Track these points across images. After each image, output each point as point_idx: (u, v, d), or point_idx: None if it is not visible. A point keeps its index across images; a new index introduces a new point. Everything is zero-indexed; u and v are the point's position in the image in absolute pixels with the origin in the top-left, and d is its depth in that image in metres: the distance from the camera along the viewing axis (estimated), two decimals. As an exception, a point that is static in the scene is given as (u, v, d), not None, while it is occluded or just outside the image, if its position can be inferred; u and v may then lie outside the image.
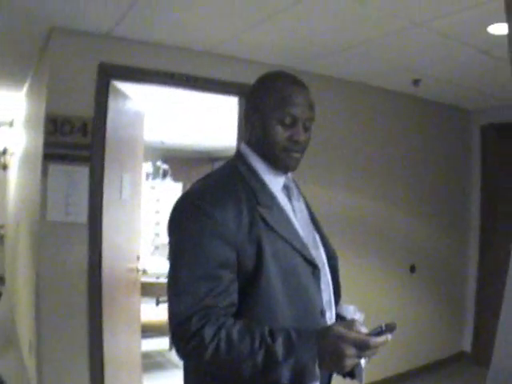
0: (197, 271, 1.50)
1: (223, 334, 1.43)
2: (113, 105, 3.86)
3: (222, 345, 1.41)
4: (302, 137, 1.69)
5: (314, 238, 1.80)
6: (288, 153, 1.69)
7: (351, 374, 1.63)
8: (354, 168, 5.10)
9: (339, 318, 1.81)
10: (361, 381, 1.61)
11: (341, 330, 1.38)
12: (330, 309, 1.75)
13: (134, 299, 4.71)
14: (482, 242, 6.15)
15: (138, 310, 4.84)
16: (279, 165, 1.72)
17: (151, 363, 5.92)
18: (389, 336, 1.38)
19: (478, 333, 6.10)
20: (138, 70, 3.85)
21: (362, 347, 1.35)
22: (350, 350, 1.35)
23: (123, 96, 4.16)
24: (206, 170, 11.50)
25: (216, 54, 4.17)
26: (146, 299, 6.13)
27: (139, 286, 4.81)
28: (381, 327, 1.40)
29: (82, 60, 3.65)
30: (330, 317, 1.74)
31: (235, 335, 1.42)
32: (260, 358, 1.40)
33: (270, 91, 1.70)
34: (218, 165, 10.40)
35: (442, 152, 5.94)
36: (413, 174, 5.63)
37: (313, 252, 1.70)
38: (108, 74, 3.74)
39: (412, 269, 5.59)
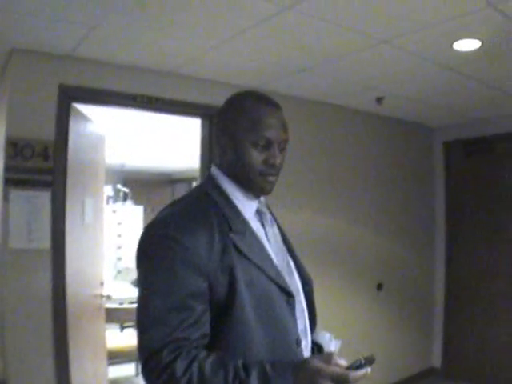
0: (167, 302, 1.43)
1: (195, 367, 1.36)
2: (74, 127, 3.79)
3: (195, 379, 1.35)
4: (277, 160, 1.64)
5: (288, 264, 1.75)
6: (264, 177, 1.64)
7: None
8: (317, 187, 5.11)
9: (315, 345, 1.77)
10: None
11: (318, 363, 1.33)
12: (306, 337, 1.71)
13: (99, 326, 4.62)
14: (448, 257, 6.23)
15: (104, 337, 4.75)
16: (254, 189, 1.67)
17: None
18: (368, 369, 1.34)
19: (447, 348, 6.16)
20: (99, 92, 3.79)
21: (341, 382, 1.30)
22: None
23: (84, 118, 4.09)
24: (166, 192, 11.49)
25: (179, 75, 4.14)
26: (110, 325, 6.01)
27: (104, 312, 4.72)
28: (360, 360, 1.35)
29: (42, 82, 3.57)
30: (306, 345, 1.70)
31: (208, 369, 1.36)
32: None
33: (241, 113, 1.64)
34: (178, 187, 10.39)
35: (406, 169, 6.01)
36: (378, 191, 5.67)
37: (287, 279, 1.65)
38: (69, 96, 3.67)
39: (379, 287, 5.61)
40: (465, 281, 6.04)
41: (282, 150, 1.68)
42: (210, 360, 1.38)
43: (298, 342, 1.62)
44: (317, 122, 5.11)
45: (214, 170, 1.73)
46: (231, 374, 1.35)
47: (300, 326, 1.67)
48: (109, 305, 5.54)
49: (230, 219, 1.59)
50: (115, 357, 5.76)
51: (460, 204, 6.14)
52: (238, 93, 1.74)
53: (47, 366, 3.56)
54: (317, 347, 1.77)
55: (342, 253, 5.27)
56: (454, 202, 6.21)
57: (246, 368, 1.37)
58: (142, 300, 1.51)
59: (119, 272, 9.29)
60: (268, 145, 1.62)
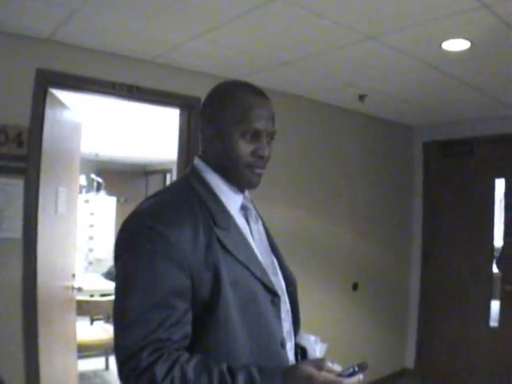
0: (148, 299, 1.34)
1: (177, 371, 1.27)
2: (50, 114, 3.69)
3: (177, 383, 1.27)
4: (266, 151, 1.57)
5: (273, 263, 1.68)
6: (252, 169, 1.57)
7: None
8: (294, 183, 5.06)
9: (299, 348, 1.69)
10: None
11: (310, 370, 1.26)
12: (290, 339, 1.64)
13: (69, 318, 4.52)
14: (424, 258, 6.25)
15: (74, 329, 4.64)
16: (242, 182, 1.60)
17: (87, 385, 5.69)
18: (361, 376, 1.29)
19: (421, 349, 6.18)
20: (78, 78, 3.68)
21: None
22: None
23: (61, 105, 3.98)
24: (140, 183, 11.39)
25: (159, 64, 4.06)
26: (80, 318, 5.91)
27: (75, 304, 4.63)
28: (353, 367, 1.30)
29: (18, 65, 3.45)
30: (290, 347, 1.63)
31: (190, 373, 1.28)
32: None
33: (229, 102, 1.57)
34: (152, 179, 10.31)
35: (385, 168, 6.00)
36: (356, 189, 5.65)
37: (272, 278, 1.58)
38: (46, 81, 3.55)
39: (355, 286, 5.58)
40: (440, 282, 6.06)
41: (270, 142, 1.61)
42: (192, 363, 1.30)
43: (283, 344, 1.55)
44: (297, 117, 5.06)
45: (198, 162, 1.65)
46: (216, 379, 1.27)
47: (285, 328, 1.61)
48: (79, 297, 5.44)
49: (215, 214, 1.51)
50: (85, 350, 5.67)
51: (438, 205, 6.15)
52: (226, 81, 1.68)
53: (16, 357, 3.47)
54: (300, 350, 1.70)
55: (317, 251, 5.23)
56: (431, 202, 6.22)
57: (232, 372, 1.29)
58: (121, 296, 1.41)
59: (90, 263, 9.17)
60: (257, 136, 1.56)
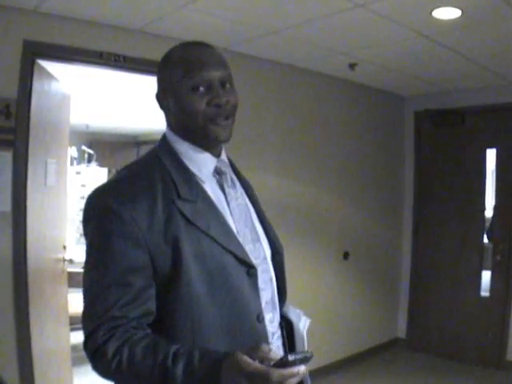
0: (104, 277, 1.35)
1: (125, 351, 1.29)
2: (38, 85, 3.63)
3: (124, 363, 1.28)
4: (223, 98, 1.50)
5: (254, 230, 1.64)
6: (213, 121, 1.50)
7: None
8: (286, 152, 5.05)
9: (284, 321, 1.67)
10: None
11: (241, 359, 1.17)
12: (273, 310, 1.63)
13: (61, 290, 4.52)
14: (416, 228, 6.27)
15: (66, 302, 4.64)
16: (208, 138, 1.53)
17: (81, 356, 5.67)
18: (301, 368, 1.16)
19: (413, 319, 6.24)
20: (65, 49, 3.63)
21: (262, 381, 1.14)
22: None
23: (49, 76, 3.92)
24: (131, 154, 11.32)
25: (147, 33, 4.00)
26: (72, 290, 5.91)
27: (66, 276, 4.62)
28: (293, 355, 1.17)
29: (5, 37, 3.39)
30: (272, 319, 1.61)
31: (138, 354, 1.28)
32: (158, 381, 1.25)
33: (172, 62, 1.55)
34: (144, 149, 10.24)
35: (376, 138, 5.99)
36: (347, 159, 5.64)
37: (250, 246, 1.56)
38: (33, 52, 3.50)
39: (346, 256, 5.60)
40: (431, 252, 6.09)
41: (229, 88, 1.55)
42: (142, 344, 1.30)
43: (260, 318, 1.53)
44: (286, 86, 5.03)
45: (167, 133, 1.63)
46: (159, 363, 1.26)
47: (265, 299, 1.58)
48: (71, 269, 5.43)
49: (179, 185, 1.48)
50: (77, 322, 5.66)
51: (429, 175, 6.16)
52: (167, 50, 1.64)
53: (7, 330, 3.48)
54: (285, 323, 1.68)
55: (308, 220, 5.24)
56: (423, 172, 6.23)
57: (175, 357, 1.26)
58: (84, 274, 1.43)
59: (82, 235, 9.15)
60: (208, 86, 1.51)
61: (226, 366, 1.20)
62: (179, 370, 1.24)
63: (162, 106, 1.62)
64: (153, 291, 1.40)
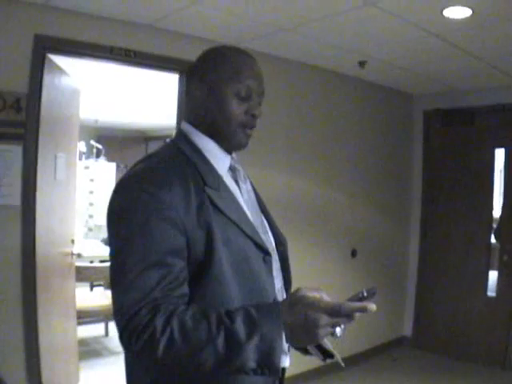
0: (144, 260, 1.34)
1: (175, 321, 1.27)
2: (48, 80, 3.65)
3: (176, 334, 1.26)
4: (258, 110, 1.59)
5: (263, 223, 1.69)
6: (243, 128, 1.59)
7: (307, 350, 1.57)
8: (295, 150, 5.04)
9: None
10: (323, 359, 1.55)
11: (309, 295, 1.25)
12: (282, 297, 1.65)
13: (68, 284, 4.54)
14: (423, 226, 6.25)
15: (73, 296, 4.67)
16: (233, 142, 1.61)
17: (88, 350, 5.73)
18: (371, 305, 1.24)
19: (419, 318, 6.23)
20: (76, 43, 3.64)
21: (336, 314, 1.21)
22: (324, 319, 1.21)
23: (59, 71, 3.94)
24: (140, 149, 11.34)
25: (158, 29, 4.01)
26: (80, 284, 5.94)
27: (74, 270, 4.64)
28: (362, 292, 1.28)
29: (16, 31, 3.41)
30: None
31: (189, 322, 1.27)
32: (220, 342, 1.24)
33: (222, 62, 1.58)
34: (152, 145, 10.24)
35: (385, 136, 5.98)
36: (356, 156, 5.63)
37: (262, 237, 1.60)
38: (44, 47, 3.52)
39: (353, 253, 5.60)
40: (439, 251, 6.08)
41: (260, 103, 1.64)
42: (190, 312, 1.30)
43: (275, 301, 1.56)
44: (295, 83, 5.02)
45: (186, 126, 1.65)
46: (215, 323, 1.27)
47: (277, 286, 1.63)
48: (79, 263, 5.46)
49: (204, 174, 1.52)
50: (85, 316, 5.71)
51: (438, 174, 6.14)
52: (214, 46, 1.67)
53: (15, 324, 3.50)
54: None
55: (316, 217, 5.23)
56: (431, 171, 6.21)
57: (230, 314, 1.29)
58: (116, 259, 1.42)
59: (90, 230, 9.19)
60: (249, 95, 1.58)
61: (292, 304, 1.26)
62: (239, 323, 1.26)
63: (193, 96, 1.63)
64: (187, 274, 1.42)
